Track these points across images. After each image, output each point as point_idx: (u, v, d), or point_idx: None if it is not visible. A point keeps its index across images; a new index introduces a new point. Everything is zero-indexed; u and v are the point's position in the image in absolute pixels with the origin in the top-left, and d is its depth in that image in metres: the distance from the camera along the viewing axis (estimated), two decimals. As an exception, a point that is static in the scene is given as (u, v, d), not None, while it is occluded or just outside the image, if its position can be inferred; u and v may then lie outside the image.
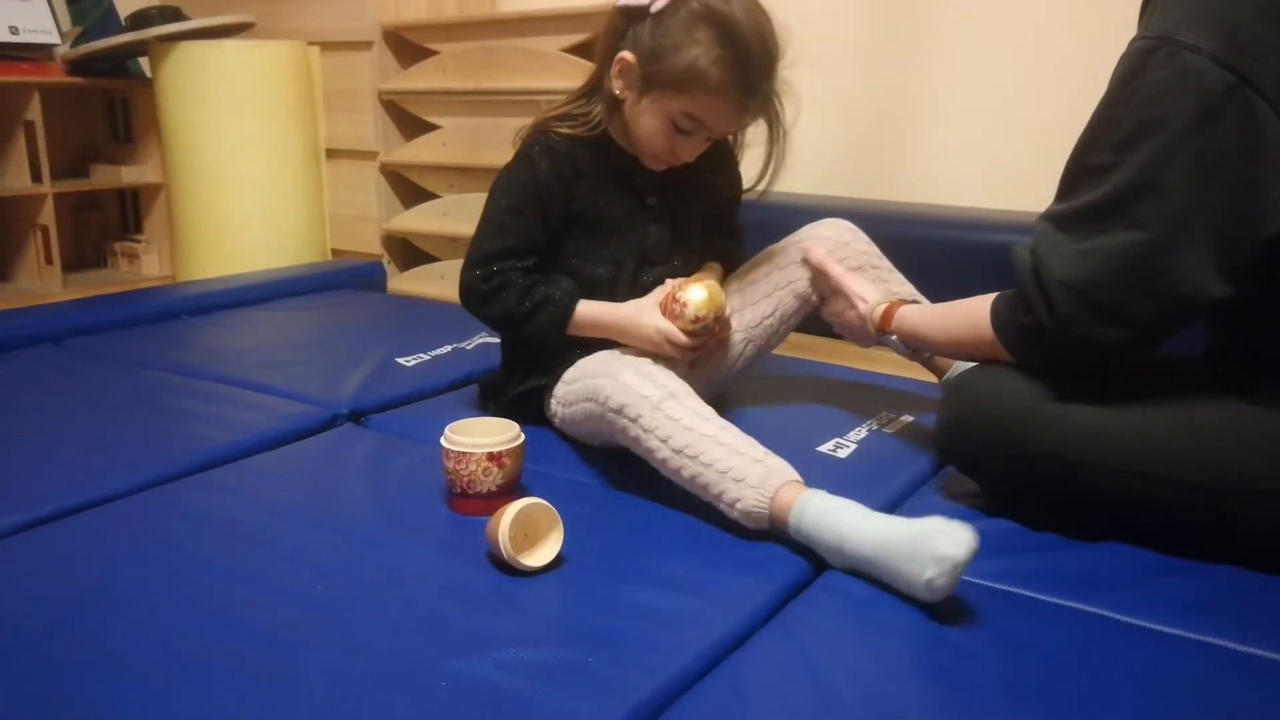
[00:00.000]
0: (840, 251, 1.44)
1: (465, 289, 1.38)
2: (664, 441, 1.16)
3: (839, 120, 2.44)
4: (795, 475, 1.11)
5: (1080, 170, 1.06)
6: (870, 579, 1.03)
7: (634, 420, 1.18)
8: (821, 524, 1.05)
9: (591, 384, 1.25)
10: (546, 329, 1.35)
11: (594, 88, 1.37)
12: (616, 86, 1.32)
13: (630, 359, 1.27)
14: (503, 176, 1.39)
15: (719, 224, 1.52)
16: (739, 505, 1.11)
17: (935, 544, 0.95)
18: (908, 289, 1.46)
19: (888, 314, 1.32)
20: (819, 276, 1.43)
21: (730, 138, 1.42)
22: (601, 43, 1.35)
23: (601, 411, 1.22)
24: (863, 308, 1.36)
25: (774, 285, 1.47)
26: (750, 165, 1.41)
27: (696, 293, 1.31)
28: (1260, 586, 1.03)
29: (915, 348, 1.32)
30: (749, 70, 1.25)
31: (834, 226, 1.47)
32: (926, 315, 1.29)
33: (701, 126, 1.30)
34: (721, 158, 1.45)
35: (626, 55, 1.28)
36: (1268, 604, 1.00)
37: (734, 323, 1.45)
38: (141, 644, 0.91)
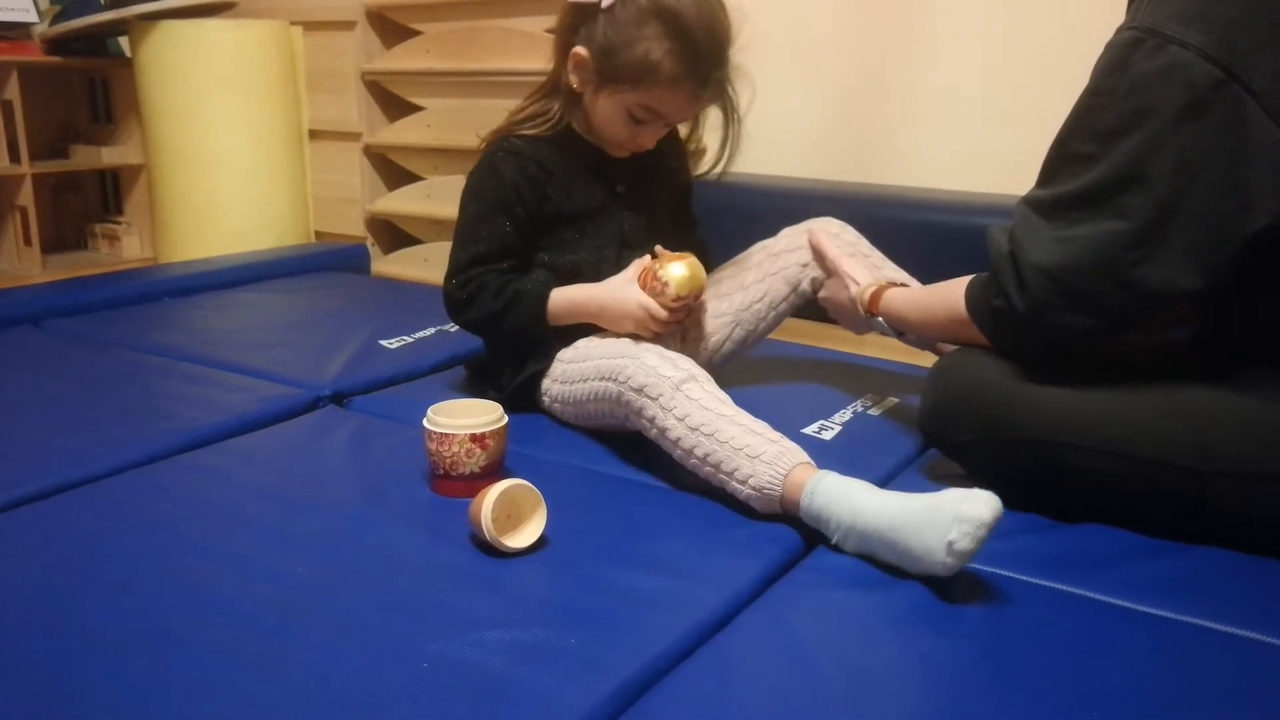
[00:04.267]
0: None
1: (445, 300, 1.42)
2: (681, 420, 1.17)
3: (825, 103, 2.43)
4: (809, 458, 1.12)
5: (1063, 158, 1.06)
6: (877, 561, 1.02)
7: (654, 399, 1.19)
8: (834, 501, 1.05)
9: (609, 364, 1.26)
10: (524, 320, 1.37)
11: (553, 84, 1.40)
12: (574, 81, 1.35)
13: (650, 344, 1.28)
14: (470, 183, 1.41)
15: (679, 214, 1.55)
16: (751, 481, 1.11)
17: (960, 507, 0.95)
18: (901, 275, 1.48)
19: (875, 296, 1.33)
20: (817, 257, 1.45)
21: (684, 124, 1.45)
22: (556, 39, 1.38)
23: (619, 391, 1.23)
24: (854, 289, 1.37)
25: (765, 272, 1.49)
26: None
27: (677, 270, 1.32)
28: (1243, 568, 1.04)
29: (900, 330, 1.33)
30: (700, 61, 1.28)
31: (822, 221, 1.50)
32: (909, 297, 1.29)
33: (657, 116, 1.34)
34: (675, 145, 1.49)
35: (580, 51, 1.32)
36: (1251, 585, 1.01)
37: (723, 306, 1.48)
38: (123, 624, 0.90)
